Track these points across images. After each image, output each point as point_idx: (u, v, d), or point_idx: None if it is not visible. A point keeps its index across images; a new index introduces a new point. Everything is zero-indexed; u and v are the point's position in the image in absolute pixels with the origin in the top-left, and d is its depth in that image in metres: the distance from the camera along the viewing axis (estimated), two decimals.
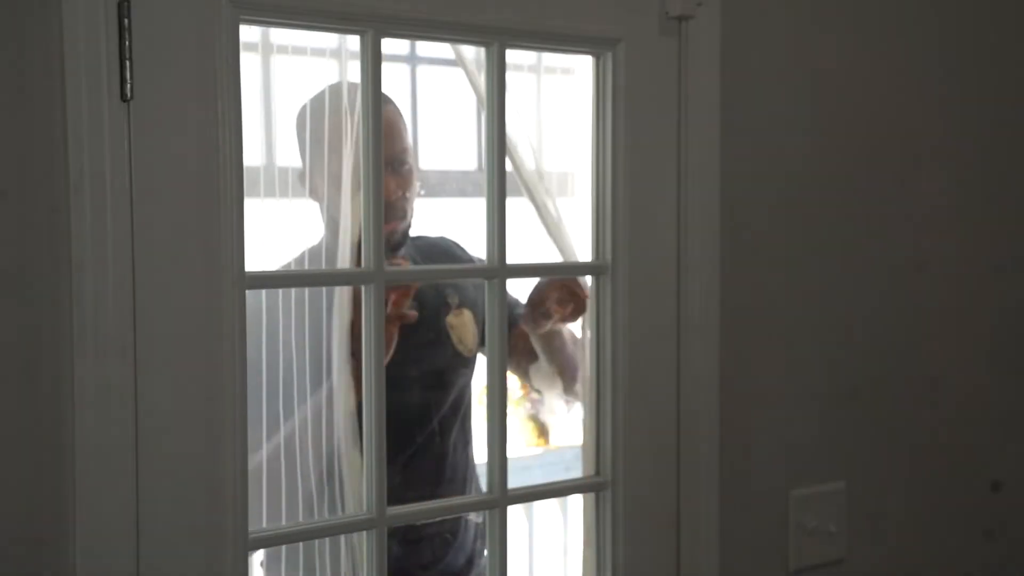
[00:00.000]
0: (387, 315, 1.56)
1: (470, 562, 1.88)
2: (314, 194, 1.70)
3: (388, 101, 1.77)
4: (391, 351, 1.57)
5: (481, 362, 1.79)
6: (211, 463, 1.20)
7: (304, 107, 1.65)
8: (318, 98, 1.62)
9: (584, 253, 1.52)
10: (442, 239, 1.91)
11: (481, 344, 1.79)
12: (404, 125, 1.77)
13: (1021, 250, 1.91)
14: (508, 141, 1.52)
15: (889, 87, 1.72)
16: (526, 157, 1.63)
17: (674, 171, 1.50)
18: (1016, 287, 1.91)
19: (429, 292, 1.81)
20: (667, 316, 1.51)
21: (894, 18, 1.73)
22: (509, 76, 1.39)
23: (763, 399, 1.62)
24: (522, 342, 1.83)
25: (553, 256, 1.61)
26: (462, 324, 1.82)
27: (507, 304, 1.87)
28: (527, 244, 1.59)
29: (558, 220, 1.60)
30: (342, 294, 1.56)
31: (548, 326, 1.78)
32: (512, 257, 1.41)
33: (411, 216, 1.76)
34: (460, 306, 1.83)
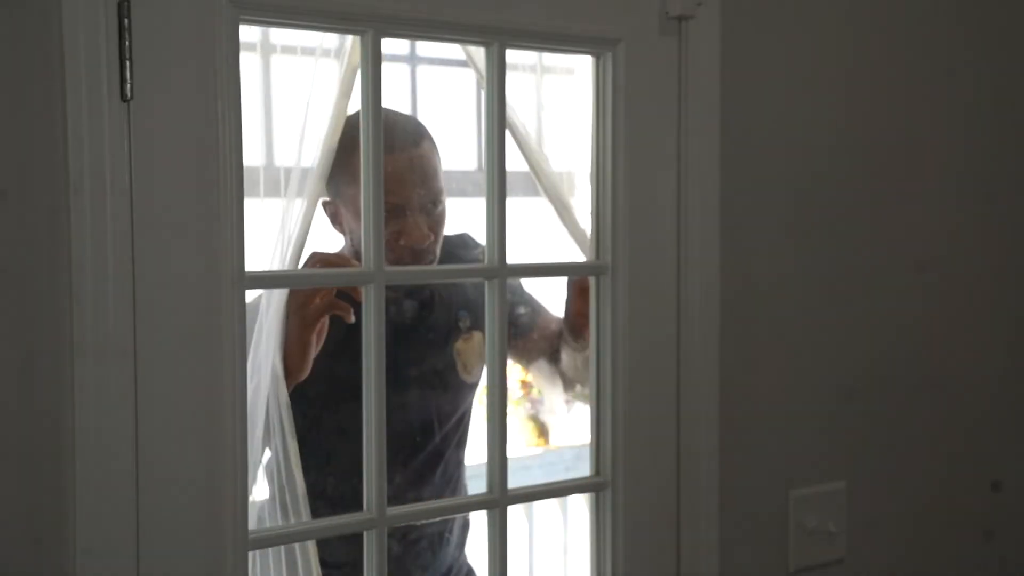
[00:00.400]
0: (318, 304, 1.51)
1: (449, 569, 1.87)
2: (338, 225, 1.66)
3: (426, 136, 1.71)
4: (319, 343, 1.54)
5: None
6: (211, 463, 1.20)
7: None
8: (348, 131, 1.48)
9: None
10: (462, 236, 1.83)
11: None
12: (440, 162, 1.70)
13: (1021, 251, 1.91)
14: (526, 141, 1.52)
15: (890, 86, 1.72)
16: (544, 157, 1.62)
17: (674, 171, 1.50)
18: (1016, 287, 1.91)
19: (440, 311, 1.77)
20: (667, 316, 1.51)
21: (895, 18, 1.73)
22: (523, 77, 1.38)
23: (763, 399, 1.62)
24: (535, 343, 1.81)
25: (576, 256, 1.60)
26: (469, 350, 1.77)
27: (527, 300, 1.85)
28: (524, 244, 1.58)
29: (578, 219, 1.59)
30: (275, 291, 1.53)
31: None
32: (519, 258, 1.42)
33: (438, 257, 1.70)
34: (471, 328, 1.78)
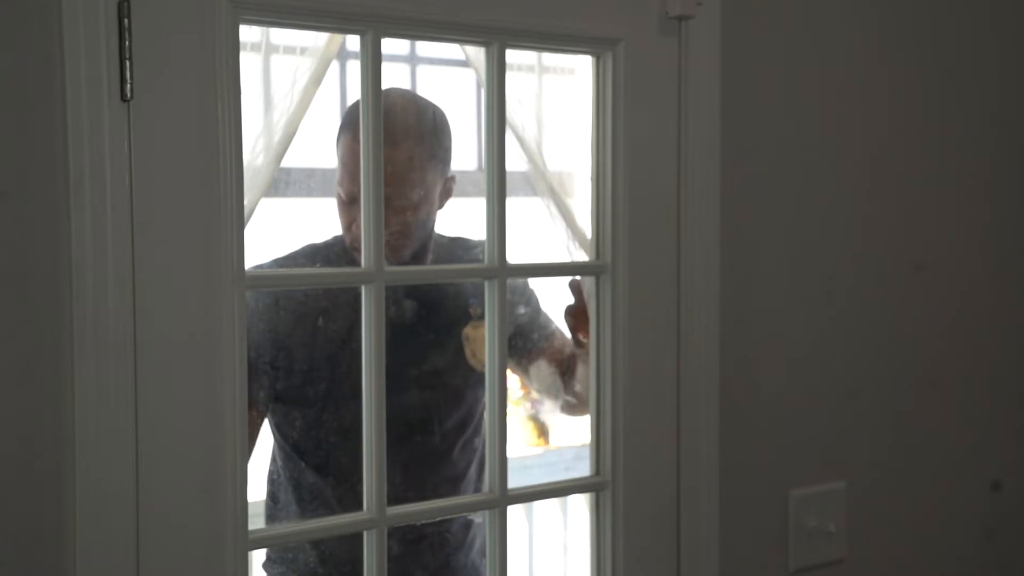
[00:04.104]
0: None
1: (465, 565, 1.87)
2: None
3: (412, 136, 1.72)
4: None
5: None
6: (211, 463, 1.20)
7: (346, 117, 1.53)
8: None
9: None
10: (457, 240, 1.84)
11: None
12: (425, 159, 1.71)
13: (1020, 250, 1.91)
14: (526, 141, 1.52)
15: (889, 87, 1.72)
16: (544, 157, 1.62)
17: (674, 171, 1.50)
18: (1016, 287, 1.91)
19: (449, 295, 1.77)
20: (667, 316, 1.51)
21: (895, 19, 1.73)
22: (523, 77, 1.38)
23: (763, 399, 1.62)
24: (550, 365, 1.81)
25: (577, 256, 1.60)
26: (479, 337, 1.75)
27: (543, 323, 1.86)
28: (524, 244, 1.58)
29: (578, 219, 1.59)
30: None
31: None
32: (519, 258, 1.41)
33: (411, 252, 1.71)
34: (482, 317, 1.78)
